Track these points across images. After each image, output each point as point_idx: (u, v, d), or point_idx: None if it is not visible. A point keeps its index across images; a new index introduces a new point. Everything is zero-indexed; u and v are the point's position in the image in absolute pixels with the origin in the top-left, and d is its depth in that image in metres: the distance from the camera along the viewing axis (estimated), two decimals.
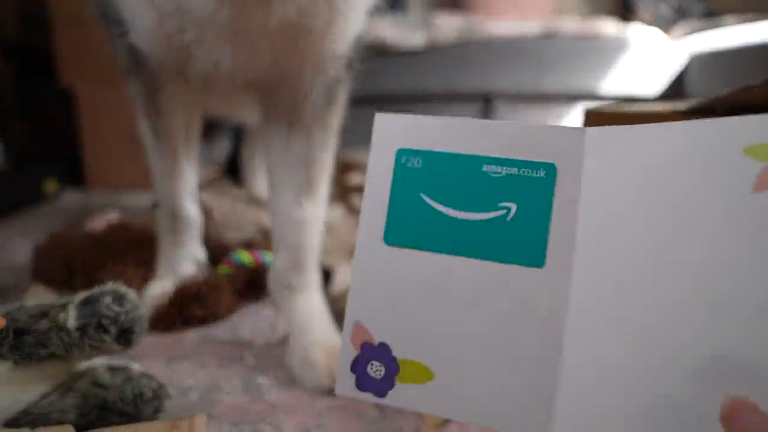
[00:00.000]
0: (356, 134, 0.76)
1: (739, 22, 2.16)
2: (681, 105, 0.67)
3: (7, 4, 2.21)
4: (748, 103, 0.68)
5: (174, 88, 0.73)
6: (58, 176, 1.88)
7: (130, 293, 0.48)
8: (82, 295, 0.48)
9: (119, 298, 0.47)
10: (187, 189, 0.83)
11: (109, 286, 0.48)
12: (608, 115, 0.72)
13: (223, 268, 0.87)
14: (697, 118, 0.65)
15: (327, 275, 0.85)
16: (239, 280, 0.86)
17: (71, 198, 1.85)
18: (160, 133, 0.77)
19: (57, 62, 1.90)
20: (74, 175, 1.97)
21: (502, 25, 2.08)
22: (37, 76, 2.25)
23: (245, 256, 0.87)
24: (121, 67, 0.75)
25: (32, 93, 2.28)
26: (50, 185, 1.83)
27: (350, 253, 1.00)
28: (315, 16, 0.56)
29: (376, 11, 0.66)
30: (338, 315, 0.75)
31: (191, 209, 0.84)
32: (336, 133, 0.70)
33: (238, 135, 1.48)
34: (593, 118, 0.74)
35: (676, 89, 2.15)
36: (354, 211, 1.25)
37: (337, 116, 0.69)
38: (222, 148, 1.45)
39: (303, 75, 0.63)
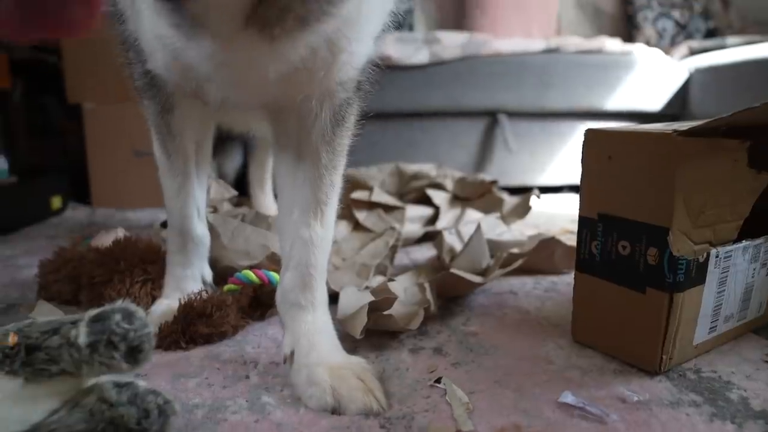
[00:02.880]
0: (361, 152, 0.76)
1: (742, 43, 2.18)
2: (680, 125, 0.68)
3: None
4: (748, 123, 0.69)
5: (187, 109, 0.76)
6: (64, 192, 1.90)
7: (139, 311, 0.49)
8: (92, 312, 0.48)
9: (129, 316, 0.48)
10: (197, 208, 0.84)
11: (119, 304, 0.49)
12: (607, 135, 0.73)
13: (229, 286, 0.88)
14: (695, 138, 0.66)
15: (334, 295, 0.86)
16: (245, 298, 0.86)
17: (76, 214, 1.87)
18: (173, 152, 0.79)
19: (65, 79, 1.92)
20: (81, 191, 1.98)
21: (506, 42, 2.10)
22: (46, 92, 2.28)
23: (250, 275, 0.87)
24: (137, 89, 0.77)
25: (40, 109, 2.31)
26: (55, 201, 1.84)
27: (357, 270, 1.01)
28: (316, 60, 0.57)
29: (384, 33, 0.66)
30: (344, 334, 0.75)
31: (200, 228, 0.85)
32: (344, 153, 0.71)
33: (246, 152, 1.49)
34: (593, 138, 0.75)
35: (680, 103, 2.17)
36: (359, 228, 1.26)
37: (345, 137, 0.70)
38: (231, 165, 1.46)
39: (310, 101, 0.64)
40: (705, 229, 0.69)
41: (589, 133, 0.76)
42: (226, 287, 0.88)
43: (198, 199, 0.84)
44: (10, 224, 1.58)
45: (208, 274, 0.89)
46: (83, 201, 1.98)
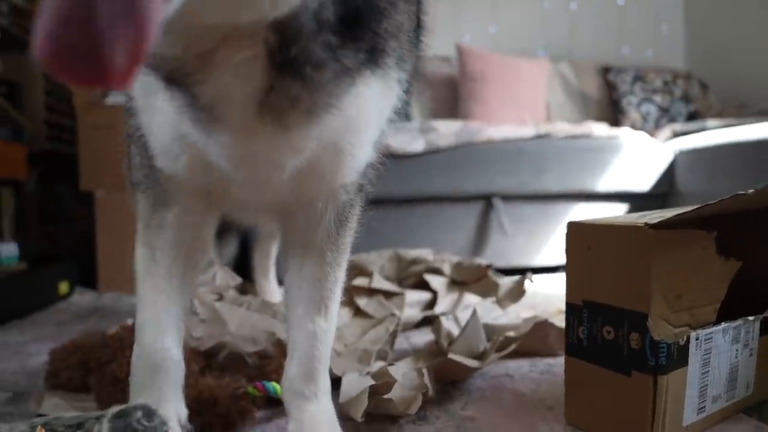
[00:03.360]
0: (360, 238, 0.80)
1: (721, 126, 2.31)
2: (653, 217, 0.74)
3: (39, 116, 2.38)
4: (713, 214, 0.75)
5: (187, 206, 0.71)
6: (72, 277, 1.95)
7: (159, 409, 0.53)
8: (115, 408, 0.52)
9: (149, 414, 0.51)
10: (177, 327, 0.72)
11: (140, 402, 0.53)
12: (586, 227, 0.80)
13: (253, 390, 0.86)
14: (666, 230, 0.72)
15: (337, 379, 0.88)
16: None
17: (82, 298, 1.91)
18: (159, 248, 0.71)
19: (80, 167, 2.01)
20: (88, 276, 2.03)
21: (498, 129, 2.22)
22: (60, 180, 2.37)
23: (278, 388, 0.83)
24: (133, 183, 0.73)
25: (54, 197, 2.40)
26: (63, 286, 1.89)
27: (359, 356, 1.04)
28: (323, 163, 0.63)
29: (383, 139, 0.72)
30: (346, 418, 0.78)
31: (175, 352, 0.70)
32: (347, 251, 0.75)
33: (246, 238, 1.54)
34: (574, 230, 0.81)
35: (667, 183, 2.26)
36: (360, 314, 1.30)
37: (348, 236, 0.75)
38: (229, 251, 1.50)
39: (316, 203, 0.69)
40: (683, 313, 0.73)
41: (571, 226, 0.82)
42: (250, 389, 0.86)
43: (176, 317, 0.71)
44: (20, 310, 1.62)
45: (184, 415, 0.70)
46: (90, 285, 2.02)
